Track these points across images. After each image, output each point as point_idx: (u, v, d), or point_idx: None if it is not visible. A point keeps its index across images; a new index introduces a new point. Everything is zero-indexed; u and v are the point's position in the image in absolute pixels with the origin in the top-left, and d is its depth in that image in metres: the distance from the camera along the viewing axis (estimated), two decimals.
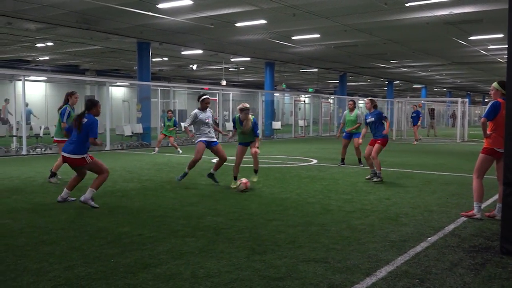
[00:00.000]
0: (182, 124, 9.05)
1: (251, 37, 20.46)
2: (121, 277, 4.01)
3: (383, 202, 7.41)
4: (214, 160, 8.94)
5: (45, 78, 30.74)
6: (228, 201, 7.40)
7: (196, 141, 8.97)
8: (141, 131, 20.26)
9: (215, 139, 8.94)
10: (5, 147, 16.39)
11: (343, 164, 12.31)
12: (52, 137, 10.55)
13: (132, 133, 19.89)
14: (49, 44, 23.26)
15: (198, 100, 9.02)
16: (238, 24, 17.63)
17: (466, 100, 27.50)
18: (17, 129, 17.55)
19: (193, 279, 4.00)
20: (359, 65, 31.47)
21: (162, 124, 16.63)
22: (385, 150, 17.09)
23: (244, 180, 8.37)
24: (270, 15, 16.14)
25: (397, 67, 32.79)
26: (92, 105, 7.00)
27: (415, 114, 23.02)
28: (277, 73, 31.67)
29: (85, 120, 6.87)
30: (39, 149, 16.44)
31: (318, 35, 20.24)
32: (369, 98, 10.08)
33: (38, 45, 23.78)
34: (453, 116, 40.85)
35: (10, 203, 7.23)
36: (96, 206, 6.77)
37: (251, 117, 8.66)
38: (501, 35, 19.77)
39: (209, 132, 8.89)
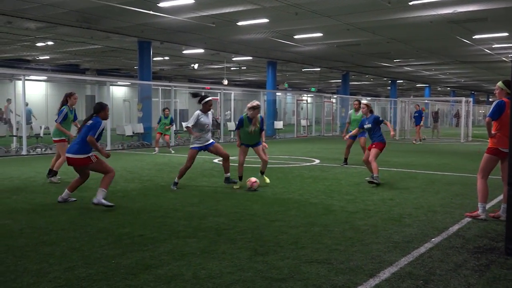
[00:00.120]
0: (184, 124, 8.71)
1: (253, 36, 20.46)
2: (122, 278, 4.01)
3: (387, 202, 7.40)
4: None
5: (45, 77, 30.75)
6: (229, 202, 7.40)
7: (190, 147, 8.62)
8: (142, 131, 20.27)
9: (211, 140, 8.65)
10: (5, 147, 16.42)
11: (346, 164, 12.29)
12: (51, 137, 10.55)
13: (133, 133, 19.90)
14: (49, 43, 23.30)
15: (200, 102, 8.57)
16: (240, 23, 17.63)
17: (470, 99, 27.47)
18: (17, 129, 17.58)
19: (195, 280, 3.99)
20: (362, 64, 31.45)
21: (157, 122, 16.33)
22: (388, 150, 17.14)
23: (253, 179, 8.46)
24: (272, 13, 16.13)
25: (401, 66, 32.76)
26: (101, 109, 7.04)
27: (417, 114, 22.92)
28: (279, 73, 31.68)
29: (90, 122, 6.91)
30: (39, 149, 16.46)
31: (320, 34, 20.23)
32: (365, 102, 9.84)
33: (38, 44, 23.82)
34: (457, 115, 40.79)
35: (10, 203, 7.24)
36: (111, 204, 6.75)
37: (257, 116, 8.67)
38: (506, 34, 19.75)
39: (205, 136, 8.57)
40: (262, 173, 9.08)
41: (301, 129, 29.88)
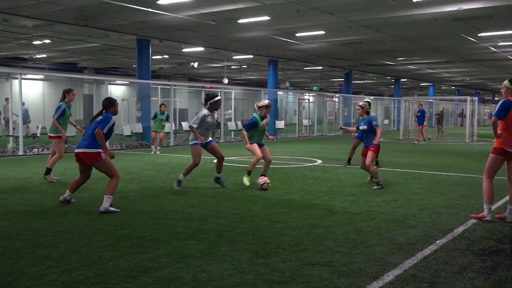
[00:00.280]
0: (187, 123, 8.53)
1: (254, 34, 20.46)
2: (120, 281, 4.01)
3: (390, 203, 7.40)
4: (215, 161, 8.87)
5: (42, 76, 30.76)
6: (230, 203, 7.40)
7: (190, 144, 8.55)
8: (140, 130, 20.28)
9: (210, 138, 8.64)
10: (1, 147, 16.44)
11: (349, 165, 12.28)
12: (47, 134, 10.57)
13: (132, 132, 19.91)
14: (47, 41, 23.31)
15: (208, 101, 8.44)
16: (240, 21, 17.62)
17: (475, 98, 27.43)
18: (13, 128, 17.59)
19: (195, 283, 3.99)
20: (365, 62, 31.44)
21: (152, 118, 16.08)
22: (392, 150, 17.17)
23: (264, 178, 8.61)
24: (274, 11, 16.14)
25: (404, 64, 32.75)
26: (110, 104, 6.98)
27: (420, 114, 22.77)
28: (280, 71, 31.66)
29: (100, 117, 6.87)
30: (36, 149, 16.48)
31: (322, 32, 20.22)
32: (360, 104, 9.63)
33: (35, 42, 23.84)
34: (462, 115, 40.77)
35: (6, 204, 7.24)
36: (118, 210, 6.71)
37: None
38: None
39: (206, 134, 8.55)
40: (263, 175, 9.05)
41: (303, 128, 29.88)
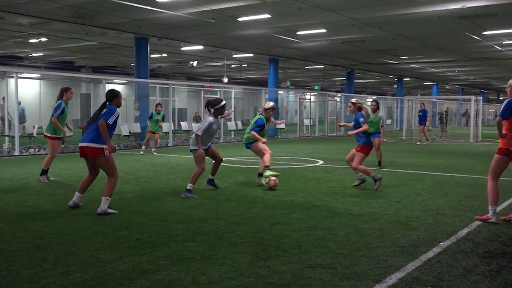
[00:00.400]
0: (194, 132, 8.23)
1: (254, 32, 20.46)
2: (118, 284, 4.01)
3: (393, 205, 7.40)
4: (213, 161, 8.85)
5: (39, 75, 30.74)
6: (230, 204, 7.40)
7: (191, 150, 8.32)
8: (139, 130, 20.27)
9: (209, 143, 8.58)
10: None
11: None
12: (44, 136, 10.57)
13: (130, 132, 19.91)
14: (43, 39, 23.33)
15: (214, 106, 8.30)
16: (240, 19, 17.63)
17: (480, 98, 27.45)
18: (9, 128, 17.58)
19: (194, 285, 3.99)
20: (367, 61, 31.45)
21: (148, 119, 15.96)
22: (394, 151, 17.16)
23: (273, 177, 8.71)
24: (274, 9, 16.14)
25: (407, 63, 32.75)
26: (114, 96, 6.92)
27: (421, 113, 22.70)
28: (281, 70, 31.67)
29: (104, 110, 6.83)
30: (32, 150, 16.48)
31: (324, 30, 20.22)
32: (353, 101, 9.40)
33: (32, 40, 23.86)
34: (466, 115, 40.76)
35: (2, 206, 7.24)
36: (116, 211, 6.69)
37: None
38: None
39: (209, 139, 8.45)
40: (261, 174, 9.10)
41: (304, 128, 29.88)
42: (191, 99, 43.55)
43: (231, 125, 25.17)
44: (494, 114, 56.91)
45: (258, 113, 9.73)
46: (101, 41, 23.53)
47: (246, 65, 35.09)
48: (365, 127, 8.91)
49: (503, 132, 6.20)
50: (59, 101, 9.44)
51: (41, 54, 29.57)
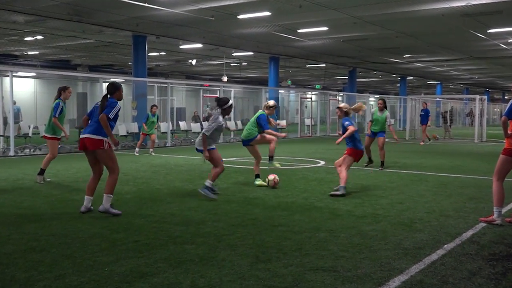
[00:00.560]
0: (202, 132, 8.13)
1: (254, 30, 20.46)
2: (115, 287, 4.01)
3: (396, 206, 7.40)
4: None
5: (34, 74, 30.80)
6: (229, 205, 7.40)
7: (198, 150, 8.31)
8: (136, 130, 20.27)
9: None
10: None
11: (371, 163, 12.44)
12: (41, 137, 10.60)
13: (127, 132, 19.91)
14: (39, 37, 23.32)
15: (223, 105, 8.24)
16: (240, 16, 17.63)
17: (485, 97, 27.43)
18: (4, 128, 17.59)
19: None
20: (370, 60, 31.45)
21: (144, 122, 15.83)
22: (398, 151, 17.15)
23: (272, 176, 8.98)
24: (275, 6, 16.14)
25: (411, 62, 32.75)
26: (115, 89, 6.88)
27: (423, 113, 22.66)
28: (282, 69, 31.70)
29: (106, 103, 6.80)
30: (28, 150, 16.48)
31: (326, 28, 20.23)
32: (341, 105, 9.13)
33: (27, 38, 23.84)
34: (471, 114, 40.74)
35: None
36: (119, 212, 6.66)
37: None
38: None
39: (215, 139, 8.40)
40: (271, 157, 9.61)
41: (305, 128, 29.89)
42: (190, 98, 43.57)
43: (231, 124, 25.15)
44: (499, 114, 56.92)
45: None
46: (98, 39, 23.53)
47: (246, 63, 35.10)
48: (351, 128, 8.59)
49: (509, 132, 6.20)
50: (57, 101, 9.46)
51: (36, 52, 29.56)
